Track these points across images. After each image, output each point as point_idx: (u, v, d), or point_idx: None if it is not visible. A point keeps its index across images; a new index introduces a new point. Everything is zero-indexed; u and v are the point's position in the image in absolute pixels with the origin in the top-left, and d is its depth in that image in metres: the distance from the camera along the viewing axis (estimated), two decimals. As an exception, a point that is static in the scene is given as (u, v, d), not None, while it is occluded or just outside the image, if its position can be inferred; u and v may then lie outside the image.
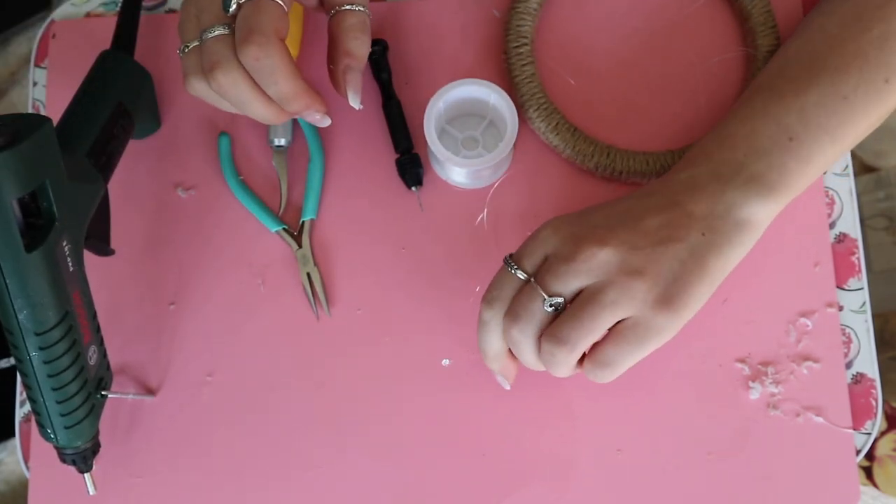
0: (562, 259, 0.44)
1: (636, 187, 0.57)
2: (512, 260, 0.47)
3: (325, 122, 0.49)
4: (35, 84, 0.62)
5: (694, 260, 0.44)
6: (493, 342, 0.48)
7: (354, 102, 0.50)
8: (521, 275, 0.46)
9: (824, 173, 0.56)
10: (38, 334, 0.45)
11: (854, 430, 0.54)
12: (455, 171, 0.55)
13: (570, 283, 0.44)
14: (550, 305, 0.44)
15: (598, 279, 0.44)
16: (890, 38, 0.48)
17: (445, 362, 0.55)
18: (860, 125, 0.48)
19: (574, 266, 0.44)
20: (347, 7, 0.48)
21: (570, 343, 0.44)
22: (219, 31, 0.45)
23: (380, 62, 0.59)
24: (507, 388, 0.51)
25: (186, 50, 0.47)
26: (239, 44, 0.44)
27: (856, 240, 0.56)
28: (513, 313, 0.45)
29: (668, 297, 0.44)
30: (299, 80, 0.46)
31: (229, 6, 0.45)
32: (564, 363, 0.45)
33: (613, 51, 0.59)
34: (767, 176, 0.46)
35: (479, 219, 0.57)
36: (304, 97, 0.47)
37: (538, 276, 0.45)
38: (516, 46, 0.57)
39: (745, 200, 0.46)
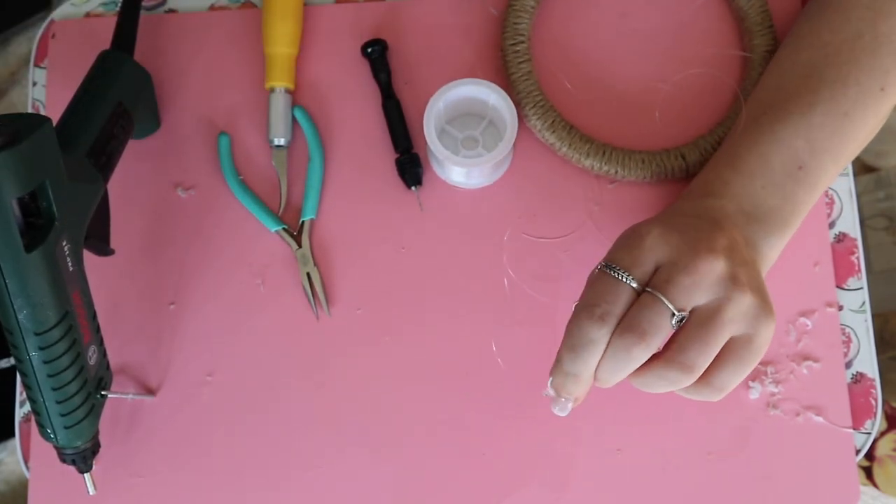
0: (683, 270, 0.41)
1: (632, 187, 0.57)
2: (619, 267, 0.42)
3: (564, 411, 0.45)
4: (35, 84, 0.62)
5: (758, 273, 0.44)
6: (594, 363, 0.42)
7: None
8: (634, 284, 0.41)
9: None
10: (37, 334, 0.45)
11: (854, 429, 0.54)
12: (455, 170, 0.55)
13: (694, 297, 0.41)
14: (677, 321, 0.41)
15: (717, 295, 0.41)
16: (882, 43, 0.48)
17: (446, 362, 0.55)
18: (858, 139, 0.49)
19: (698, 279, 0.41)
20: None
21: (697, 369, 0.41)
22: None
23: (380, 62, 0.59)
24: (566, 414, 0.45)
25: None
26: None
27: (855, 239, 0.56)
28: (636, 329, 0.41)
29: (766, 308, 0.42)
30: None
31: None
32: (678, 387, 0.42)
33: (610, 50, 0.59)
34: (782, 209, 0.47)
35: (504, 236, 0.57)
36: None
37: (659, 288, 0.41)
38: (513, 44, 0.57)
39: (766, 236, 0.47)
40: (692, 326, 0.41)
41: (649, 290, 0.41)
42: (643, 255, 0.42)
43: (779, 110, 0.49)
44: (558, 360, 0.44)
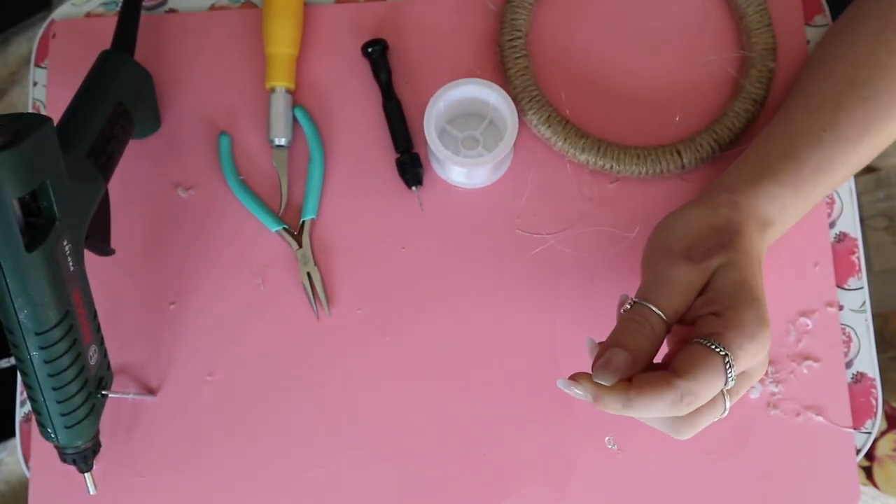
0: (755, 375, 0.44)
1: (628, 183, 0.57)
2: (731, 359, 0.41)
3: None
4: (35, 84, 0.62)
5: None
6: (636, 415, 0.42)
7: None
8: (731, 376, 0.41)
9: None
10: (38, 334, 0.45)
11: (854, 429, 0.54)
12: (455, 170, 0.55)
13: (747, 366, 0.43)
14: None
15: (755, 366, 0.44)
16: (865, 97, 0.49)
17: (446, 362, 0.55)
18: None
19: (762, 359, 0.44)
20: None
21: (692, 409, 0.42)
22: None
23: (380, 62, 0.59)
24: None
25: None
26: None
27: (856, 239, 0.56)
28: (700, 399, 0.41)
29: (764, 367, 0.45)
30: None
31: None
32: (663, 414, 0.42)
33: (608, 46, 0.59)
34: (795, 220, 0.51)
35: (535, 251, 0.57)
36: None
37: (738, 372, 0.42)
38: (510, 39, 0.57)
39: (767, 245, 0.49)
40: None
41: (731, 378, 0.41)
42: (750, 351, 0.41)
43: (834, 133, 0.49)
44: (640, 392, 0.41)
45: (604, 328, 0.55)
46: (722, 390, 0.42)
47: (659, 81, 0.58)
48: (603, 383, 0.41)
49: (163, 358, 0.57)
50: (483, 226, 0.57)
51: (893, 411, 0.95)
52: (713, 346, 0.41)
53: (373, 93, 0.59)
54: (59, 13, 0.63)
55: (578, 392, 0.42)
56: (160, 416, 0.56)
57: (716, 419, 0.43)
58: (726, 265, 0.44)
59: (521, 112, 0.56)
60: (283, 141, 0.58)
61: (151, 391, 0.56)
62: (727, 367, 0.40)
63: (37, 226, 0.44)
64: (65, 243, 0.45)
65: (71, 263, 0.46)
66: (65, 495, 0.55)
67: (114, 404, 0.56)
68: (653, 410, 0.40)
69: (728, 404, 0.42)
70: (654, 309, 0.43)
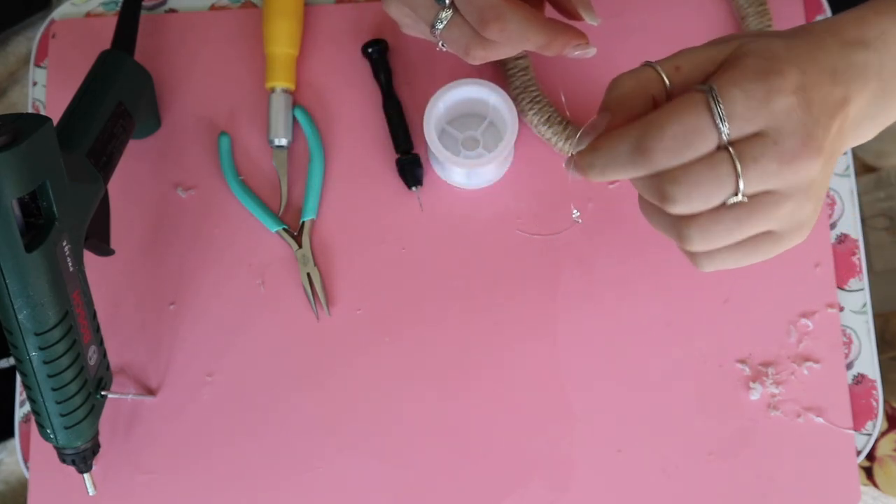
0: (780, 160, 0.35)
1: (628, 183, 0.56)
2: (724, 109, 0.34)
3: (591, 51, 0.44)
4: (35, 84, 0.62)
5: None
6: (620, 177, 0.38)
7: (592, 19, 0.44)
8: (725, 138, 0.34)
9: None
10: (37, 334, 0.45)
11: (855, 430, 0.54)
12: (455, 171, 0.55)
13: (767, 188, 0.35)
14: (732, 202, 0.35)
15: (789, 194, 0.36)
16: None
17: (446, 362, 0.55)
18: None
19: (787, 177, 0.35)
20: None
21: (705, 247, 0.37)
22: (447, 16, 0.42)
23: (380, 62, 0.59)
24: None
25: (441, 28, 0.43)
26: (479, 27, 0.41)
27: (856, 240, 0.56)
28: (686, 185, 0.35)
29: (812, 222, 0.39)
30: (548, 26, 0.42)
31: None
32: (676, 242, 0.38)
33: (608, 46, 0.59)
34: None
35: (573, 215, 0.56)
36: (559, 40, 0.43)
37: (742, 160, 0.35)
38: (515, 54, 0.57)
39: (875, 119, 0.39)
40: (737, 209, 0.36)
41: (732, 153, 0.34)
42: (758, 115, 0.34)
43: None
44: (595, 148, 0.37)
45: (604, 328, 0.55)
46: (732, 159, 0.34)
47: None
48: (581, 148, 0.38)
49: (163, 358, 0.57)
50: (483, 226, 0.57)
51: (894, 411, 0.95)
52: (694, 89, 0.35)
53: (373, 93, 0.59)
54: (58, 13, 0.63)
55: (573, 172, 0.39)
56: (160, 417, 0.56)
57: (724, 198, 0.35)
58: (756, 42, 0.36)
59: (521, 112, 0.56)
60: (283, 141, 0.58)
61: (151, 391, 0.56)
62: (712, 104, 0.34)
63: (37, 226, 0.44)
64: (65, 244, 0.45)
65: (71, 264, 0.46)
66: (64, 496, 0.55)
67: (113, 404, 0.56)
68: (618, 157, 0.36)
69: (741, 184, 0.34)
70: (655, 66, 0.37)
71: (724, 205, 0.36)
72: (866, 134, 0.40)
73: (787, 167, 0.35)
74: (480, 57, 0.44)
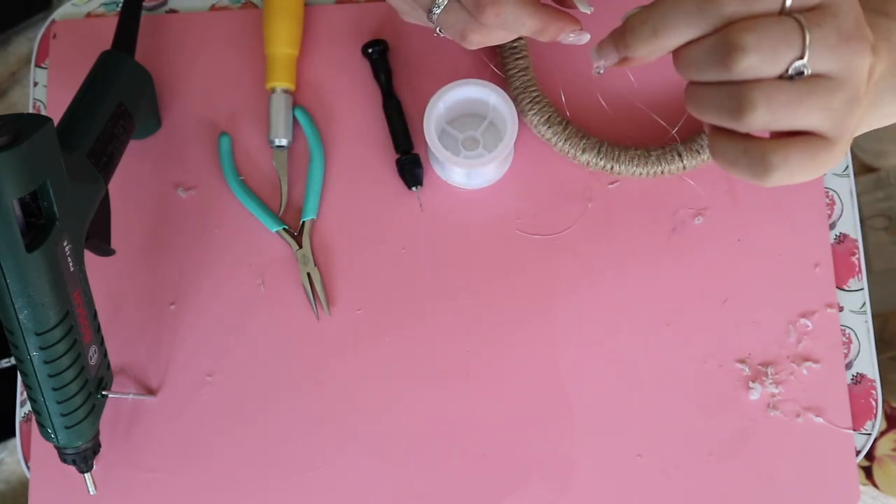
0: (844, 33, 0.35)
1: (628, 183, 0.57)
2: None
3: (585, 38, 0.45)
4: (36, 84, 0.62)
5: None
6: (672, 45, 0.38)
7: (585, 7, 0.45)
8: (788, 1, 0.35)
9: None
10: (38, 334, 0.45)
11: (854, 430, 0.54)
12: (455, 171, 0.55)
13: (830, 63, 0.35)
14: (794, 72, 0.35)
15: (844, 86, 0.36)
16: None
17: (446, 362, 0.55)
18: None
19: (848, 51, 0.35)
20: None
21: (756, 119, 0.36)
22: (444, 1, 0.43)
23: (380, 62, 0.59)
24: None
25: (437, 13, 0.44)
26: (475, 12, 0.42)
27: (856, 240, 0.56)
28: (744, 43, 0.35)
29: (846, 144, 0.38)
30: (543, 12, 0.43)
31: None
32: (723, 123, 0.38)
33: (602, 35, 0.59)
34: None
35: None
36: (554, 26, 0.44)
37: (810, 24, 0.35)
38: (510, 40, 0.57)
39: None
40: (799, 83, 0.35)
41: (797, 16, 0.35)
42: None
43: None
44: (640, 20, 0.38)
45: (604, 329, 0.55)
46: (798, 20, 0.34)
47: (659, 82, 0.58)
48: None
49: (163, 358, 0.57)
50: (483, 226, 0.57)
51: (893, 411, 0.95)
52: None
53: (373, 93, 0.59)
54: (59, 13, 0.63)
55: (604, 58, 0.41)
56: (160, 417, 0.56)
57: (791, 59, 0.35)
58: None
59: (521, 112, 0.56)
60: (283, 141, 0.58)
61: (151, 391, 0.56)
62: None
63: (37, 226, 0.44)
64: (65, 244, 0.45)
65: (71, 264, 0.46)
66: (65, 495, 0.56)
67: (114, 404, 0.56)
68: (683, 3, 0.36)
69: (808, 42, 0.34)
70: None
71: (786, 75, 0.35)
72: (887, 109, 0.40)
73: (845, 44, 0.35)
74: (477, 42, 0.45)
